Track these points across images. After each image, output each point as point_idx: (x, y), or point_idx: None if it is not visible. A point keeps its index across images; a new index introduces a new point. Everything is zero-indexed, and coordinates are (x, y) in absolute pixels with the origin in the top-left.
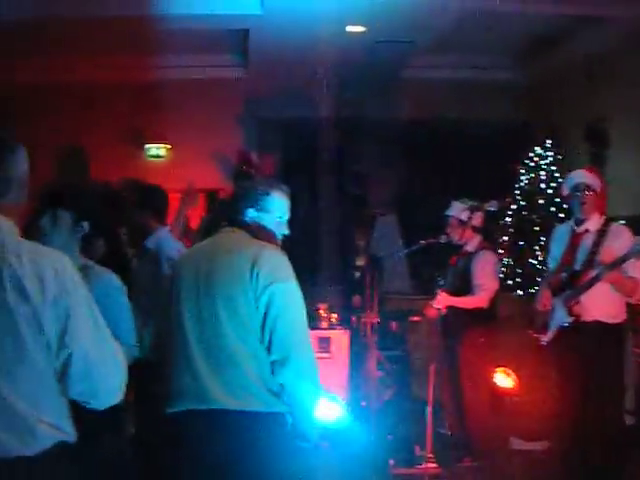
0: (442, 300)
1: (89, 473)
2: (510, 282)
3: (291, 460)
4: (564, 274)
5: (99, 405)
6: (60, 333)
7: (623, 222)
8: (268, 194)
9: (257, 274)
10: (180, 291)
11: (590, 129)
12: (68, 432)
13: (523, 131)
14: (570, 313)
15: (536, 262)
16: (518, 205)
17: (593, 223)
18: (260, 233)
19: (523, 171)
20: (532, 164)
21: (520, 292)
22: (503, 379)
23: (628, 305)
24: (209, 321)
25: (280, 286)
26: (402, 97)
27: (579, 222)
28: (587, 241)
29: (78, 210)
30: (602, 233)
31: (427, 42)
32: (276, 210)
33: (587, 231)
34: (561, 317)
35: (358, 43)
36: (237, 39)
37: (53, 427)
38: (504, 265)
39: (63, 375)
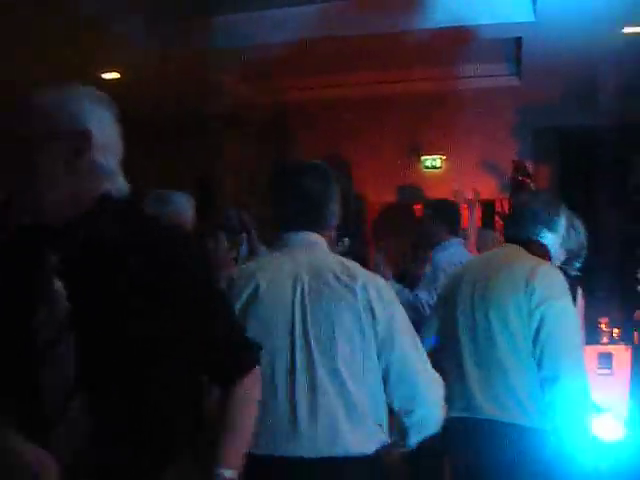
0: None
1: None
2: None
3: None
4: None
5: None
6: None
7: None
8: (559, 216)
9: (533, 289)
10: (457, 301)
11: None
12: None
13: None
14: None
15: None
16: None
17: None
18: (539, 250)
19: None
20: None
21: None
22: None
23: None
24: (482, 332)
25: (554, 304)
26: None
27: None
28: None
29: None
30: None
31: None
32: (560, 232)
33: None
34: None
35: (638, 45)
36: (510, 47)
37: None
38: None
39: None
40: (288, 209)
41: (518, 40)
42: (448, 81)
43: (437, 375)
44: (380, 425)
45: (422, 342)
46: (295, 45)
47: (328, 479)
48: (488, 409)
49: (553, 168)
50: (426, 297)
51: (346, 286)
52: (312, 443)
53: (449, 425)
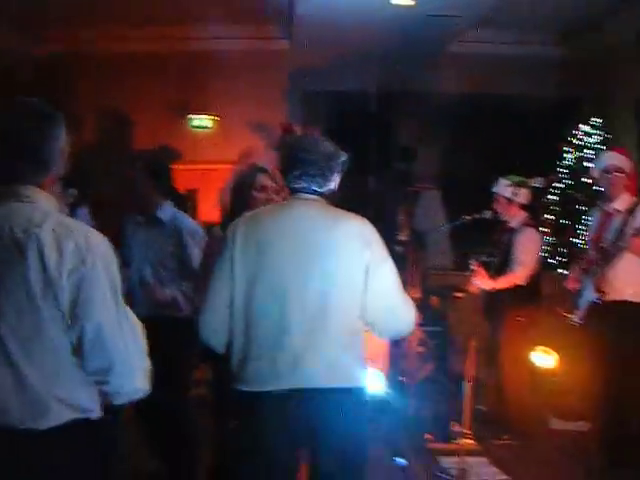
0: (481, 283)
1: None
2: (553, 261)
3: None
4: (594, 252)
5: (120, 389)
6: (73, 305)
7: None
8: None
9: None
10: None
11: (639, 108)
12: (88, 409)
13: (570, 109)
14: (596, 289)
15: (579, 241)
16: (563, 184)
17: (622, 203)
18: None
19: (569, 149)
20: (579, 142)
21: (563, 271)
22: (543, 358)
23: None
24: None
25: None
26: (449, 72)
27: (608, 202)
28: (616, 220)
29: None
30: (631, 212)
31: (475, 17)
32: None
33: (617, 210)
34: (589, 294)
35: (406, 16)
36: (283, 10)
37: (69, 404)
38: (548, 243)
39: (78, 349)
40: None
41: (291, 3)
42: (219, 41)
43: None
44: None
45: None
46: None
47: None
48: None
49: (321, 132)
50: None
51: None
52: None
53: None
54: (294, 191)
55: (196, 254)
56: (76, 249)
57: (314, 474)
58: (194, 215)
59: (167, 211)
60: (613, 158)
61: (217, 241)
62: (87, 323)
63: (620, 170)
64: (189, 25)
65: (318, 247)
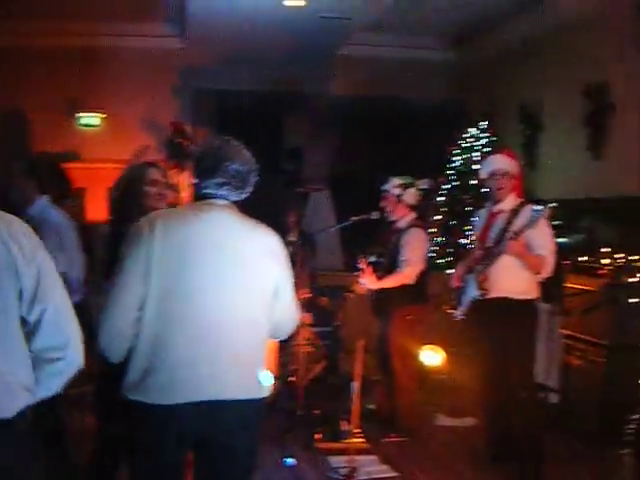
0: (369, 284)
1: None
2: (441, 261)
3: None
4: (479, 251)
5: (73, 363)
6: (36, 289)
7: (554, 205)
8: None
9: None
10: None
11: (523, 111)
12: (34, 393)
13: (458, 112)
14: (479, 287)
15: (467, 242)
16: (451, 185)
17: (508, 203)
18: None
19: (457, 151)
20: (466, 144)
21: (451, 271)
22: (430, 356)
23: (557, 289)
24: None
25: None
26: (341, 73)
27: (495, 203)
28: (500, 220)
29: None
30: (515, 212)
31: (366, 20)
32: None
33: (502, 211)
34: (472, 292)
35: (298, 17)
36: (175, 8)
37: (26, 388)
38: (436, 244)
39: (35, 330)
40: None
41: (183, 2)
42: (110, 38)
43: None
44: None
45: None
46: None
47: None
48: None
49: (212, 131)
50: None
51: None
52: None
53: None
54: (208, 196)
55: (54, 245)
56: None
57: (201, 474)
58: (81, 214)
59: (37, 207)
60: (500, 161)
61: (103, 238)
62: (49, 304)
63: (506, 173)
64: (79, 21)
65: (235, 258)
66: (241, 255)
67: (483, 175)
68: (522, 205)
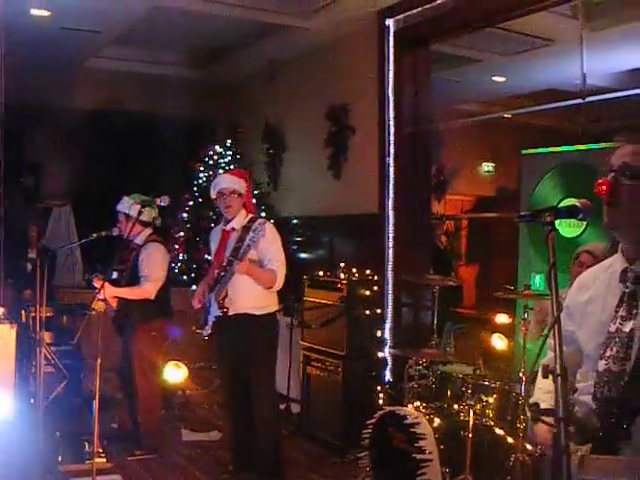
0: (106, 291)
1: None
2: (185, 277)
3: None
4: (216, 270)
5: None
6: None
7: (295, 222)
8: None
9: None
10: None
11: (268, 131)
12: None
13: (204, 129)
14: (218, 306)
15: (210, 258)
16: (195, 202)
17: (238, 221)
18: None
19: (202, 168)
20: (211, 162)
21: (195, 287)
22: (174, 372)
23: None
24: None
25: None
26: (85, 87)
27: (226, 222)
28: (232, 238)
29: None
30: (246, 230)
31: (114, 33)
32: None
33: (233, 229)
34: (214, 311)
35: (43, 28)
36: None
37: None
38: (180, 260)
39: None
40: None
41: None
42: None
43: None
44: None
45: None
46: None
47: None
48: None
49: None
50: None
51: None
52: None
53: None
54: None
55: None
56: None
57: None
58: None
59: None
60: (227, 180)
61: None
62: None
63: (234, 191)
64: None
65: None
66: None
67: (212, 194)
68: (252, 222)
